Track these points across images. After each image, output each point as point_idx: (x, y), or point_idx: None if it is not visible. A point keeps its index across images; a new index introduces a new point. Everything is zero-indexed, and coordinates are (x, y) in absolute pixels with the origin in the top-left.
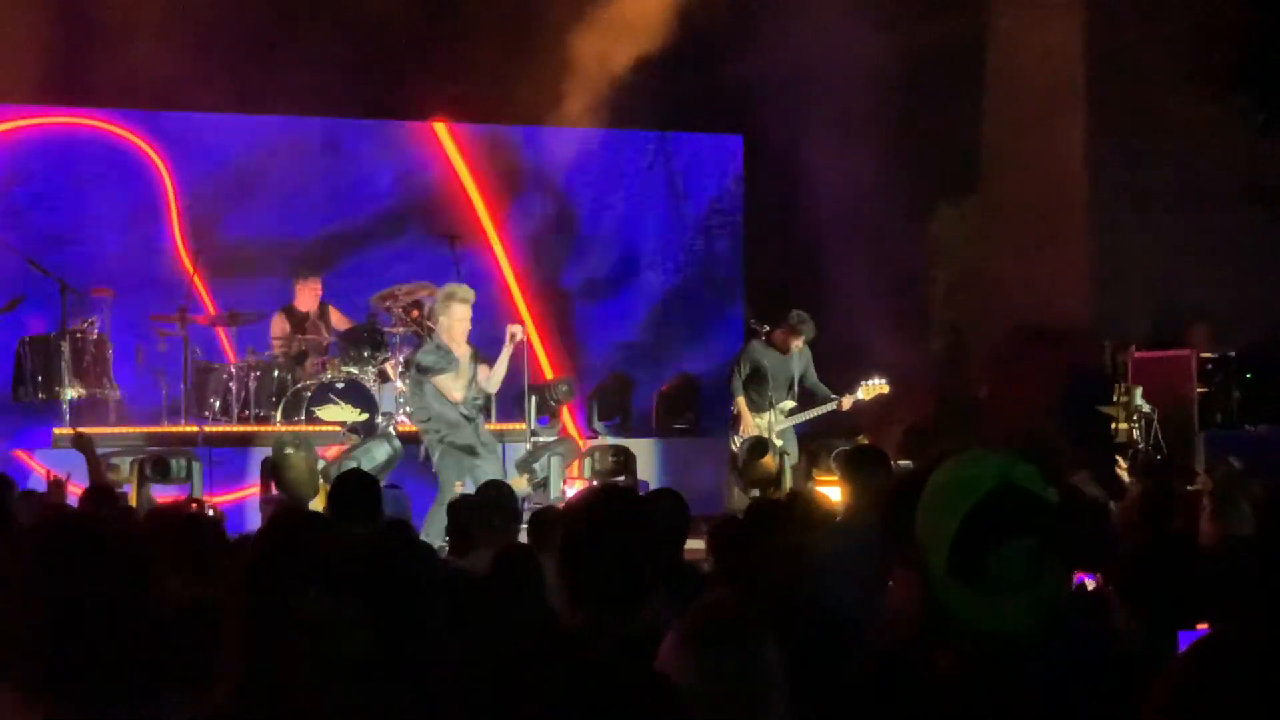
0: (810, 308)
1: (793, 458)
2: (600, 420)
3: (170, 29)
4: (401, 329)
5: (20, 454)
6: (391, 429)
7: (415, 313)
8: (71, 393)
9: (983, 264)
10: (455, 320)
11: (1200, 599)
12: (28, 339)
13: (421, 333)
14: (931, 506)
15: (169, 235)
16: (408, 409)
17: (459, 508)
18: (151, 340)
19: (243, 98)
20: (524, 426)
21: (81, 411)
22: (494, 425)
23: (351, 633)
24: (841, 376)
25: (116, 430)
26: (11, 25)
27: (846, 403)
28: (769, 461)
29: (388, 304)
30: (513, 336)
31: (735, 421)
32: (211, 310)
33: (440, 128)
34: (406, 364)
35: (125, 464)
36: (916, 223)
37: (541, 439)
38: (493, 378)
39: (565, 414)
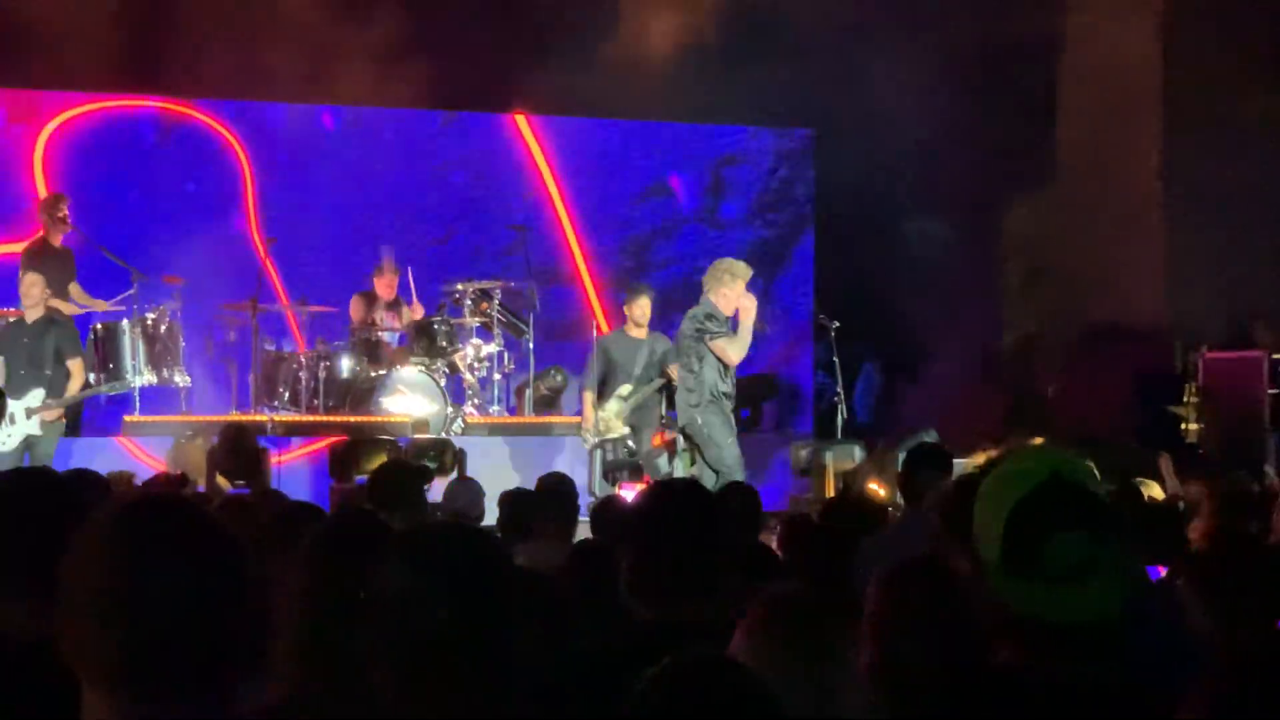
0: (881, 305)
1: (643, 442)
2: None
3: (241, 17)
4: (472, 321)
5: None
6: (460, 422)
7: (485, 305)
8: (142, 380)
9: (1056, 261)
10: (735, 294)
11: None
12: (99, 325)
13: (491, 325)
14: (986, 499)
15: (243, 223)
16: (476, 401)
17: (515, 499)
18: (222, 329)
19: (318, 87)
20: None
21: (151, 399)
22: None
23: (427, 609)
24: (914, 375)
25: (185, 419)
26: (86, 13)
27: (673, 371)
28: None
29: (457, 296)
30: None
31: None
32: (284, 298)
33: (520, 120)
34: (476, 357)
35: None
36: (990, 219)
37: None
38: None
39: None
